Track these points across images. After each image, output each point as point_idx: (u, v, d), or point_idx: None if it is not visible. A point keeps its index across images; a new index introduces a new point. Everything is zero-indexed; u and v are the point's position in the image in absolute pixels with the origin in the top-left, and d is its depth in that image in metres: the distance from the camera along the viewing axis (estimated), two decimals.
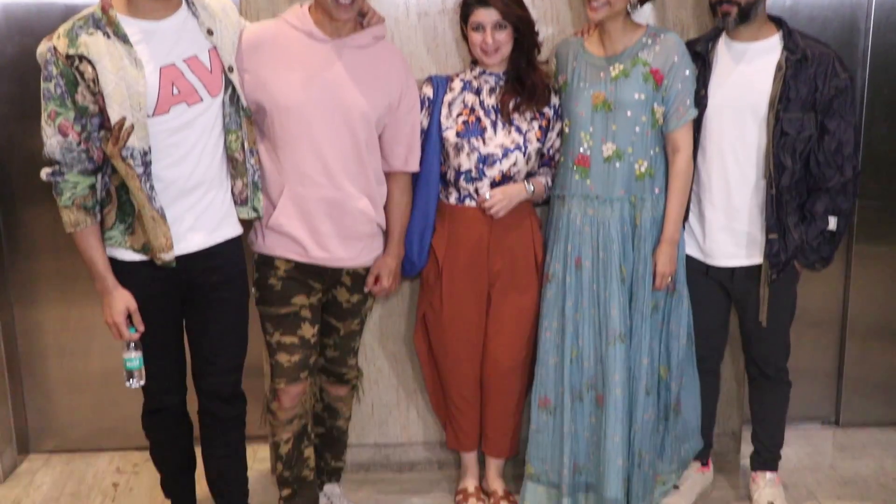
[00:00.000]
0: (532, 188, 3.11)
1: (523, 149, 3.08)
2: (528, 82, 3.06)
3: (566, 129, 3.14)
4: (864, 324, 3.97)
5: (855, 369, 4.01)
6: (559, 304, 3.18)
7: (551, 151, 3.19)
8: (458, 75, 3.17)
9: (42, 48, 2.59)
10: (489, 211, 3.07)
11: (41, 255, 3.74)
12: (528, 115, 3.10)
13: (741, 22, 2.98)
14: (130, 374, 2.73)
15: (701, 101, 3.07)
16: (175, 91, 2.61)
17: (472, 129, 3.07)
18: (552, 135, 3.16)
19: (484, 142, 3.07)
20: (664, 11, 3.34)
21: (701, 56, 3.09)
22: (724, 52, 3.09)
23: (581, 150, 3.09)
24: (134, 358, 2.72)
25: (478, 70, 3.12)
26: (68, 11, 2.68)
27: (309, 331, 2.96)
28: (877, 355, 4.01)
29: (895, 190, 3.82)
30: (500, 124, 3.08)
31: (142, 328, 2.72)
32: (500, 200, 3.06)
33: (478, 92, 3.11)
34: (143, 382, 2.75)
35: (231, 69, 2.73)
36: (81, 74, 2.53)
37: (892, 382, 4.04)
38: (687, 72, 3.03)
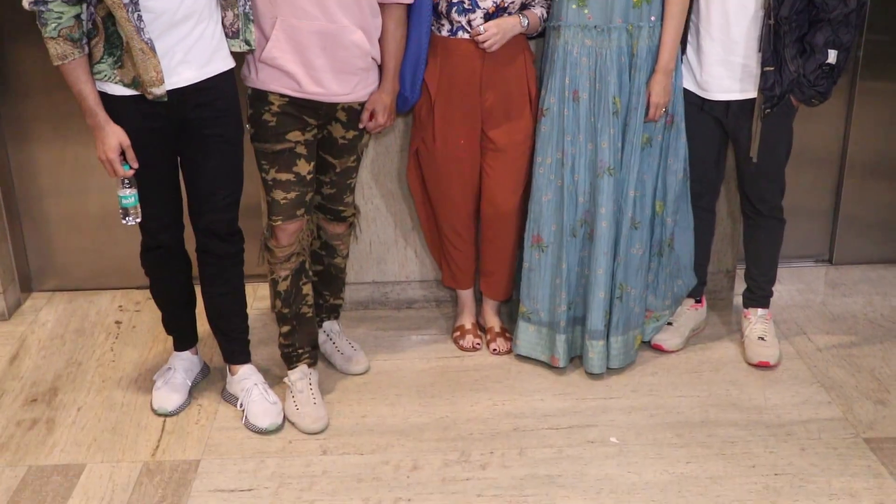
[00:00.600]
0: (527, 21, 3.03)
1: None
2: None
3: None
4: (863, 162, 3.94)
5: (851, 208, 4.00)
6: (554, 138, 3.13)
7: None
8: None
9: None
10: (483, 45, 2.98)
11: (33, 93, 3.66)
12: None
13: None
14: (126, 212, 2.71)
15: None
16: None
17: None
18: None
19: None
20: None
21: None
22: None
23: None
24: (129, 195, 2.69)
25: None
26: None
27: (305, 167, 2.92)
28: (873, 194, 3.99)
29: None
30: None
31: (135, 164, 2.68)
32: (494, 34, 2.97)
33: None
34: (139, 219, 2.73)
35: None
36: None
37: (886, 221, 4.04)
38: None
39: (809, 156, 3.85)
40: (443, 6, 3.01)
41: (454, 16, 3.01)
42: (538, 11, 3.08)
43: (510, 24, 3.01)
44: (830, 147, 3.93)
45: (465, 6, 2.98)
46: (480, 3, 2.97)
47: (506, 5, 2.99)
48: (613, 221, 3.13)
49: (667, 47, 3.02)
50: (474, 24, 3.00)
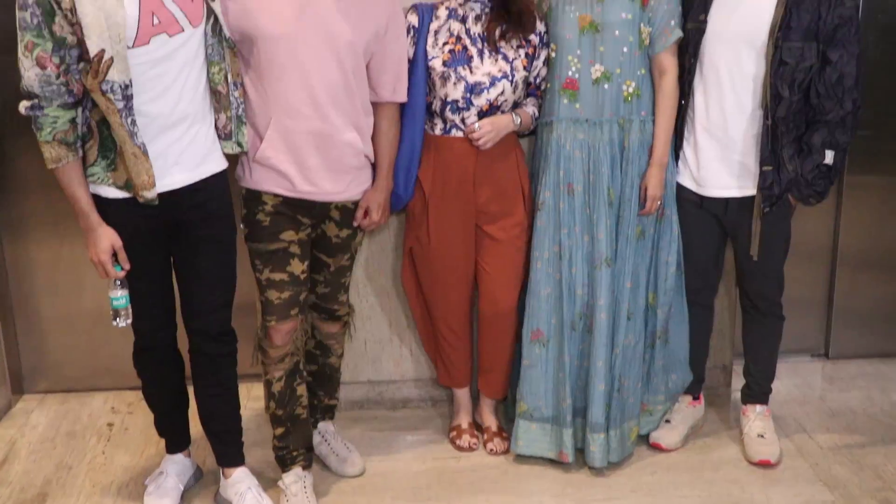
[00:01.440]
0: (519, 119, 3.04)
1: (510, 77, 2.99)
2: (514, 9, 2.97)
3: (552, 55, 3.06)
4: (855, 255, 3.91)
5: (845, 301, 3.95)
6: (551, 232, 3.12)
7: (538, 80, 3.10)
8: (443, 3, 3.06)
9: None
10: (477, 142, 2.97)
11: (31, 192, 3.63)
12: (515, 42, 3.01)
13: None
14: (117, 313, 2.66)
15: (701, 27, 2.98)
16: (155, 21, 2.49)
17: (459, 57, 2.98)
18: (538, 63, 3.08)
19: (471, 70, 2.97)
20: None
21: None
22: None
23: (569, 73, 3.02)
24: (120, 296, 2.65)
25: None
26: None
27: (299, 267, 2.88)
28: (866, 287, 3.95)
29: (886, 119, 3.72)
30: (486, 53, 2.99)
31: (127, 266, 2.64)
32: (488, 132, 2.97)
33: (464, 20, 3.01)
34: (129, 321, 2.69)
35: None
36: (58, 3, 2.40)
37: (880, 314, 3.99)
38: None
39: (802, 249, 3.81)
40: (436, 105, 3.01)
41: (448, 114, 3.00)
42: (530, 110, 3.09)
43: (504, 123, 3.00)
44: (822, 240, 3.90)
45: (459, 104, 2.98)
46: (474, 101, 2.97)
47: (499, 104, 3.00)
48: (611, 313, 3.10)
49: (660, 141, 3.03)
50: (468, 121, 2.99)
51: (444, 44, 2.99)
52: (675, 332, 3.28)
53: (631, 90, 3.01)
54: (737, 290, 3.37)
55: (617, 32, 2.96)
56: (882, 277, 3.95)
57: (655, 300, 3.19)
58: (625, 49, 2.98)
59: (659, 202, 3.07)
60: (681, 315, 3.27)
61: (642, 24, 2.97)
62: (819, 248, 3.91)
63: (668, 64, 3.00)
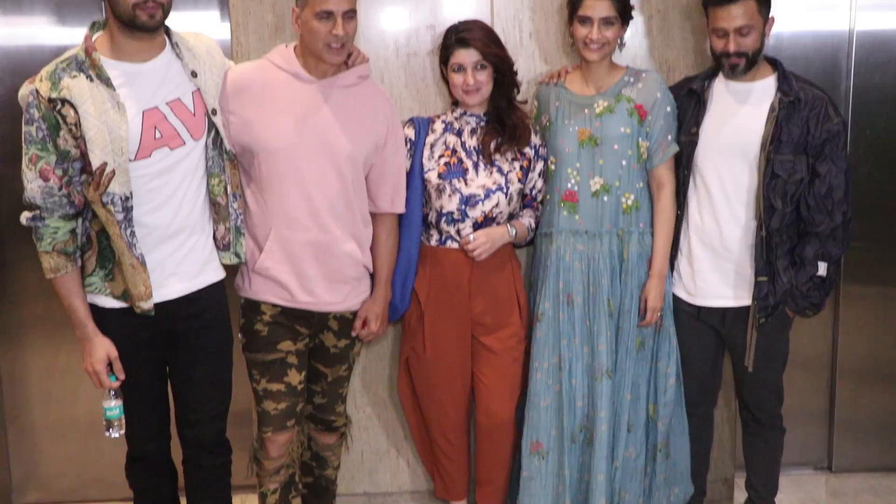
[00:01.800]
0: (514, 231, 3.05)
1: (505, 189, 3.02)
2: (508, 122, 3.02)
3: (551, 167, 3.10)
4: (854, 366, 3.85)
5: (846, 412, 3.89)
6: (550, 342, 3.10)
7: (534, 192, 3.13)
8: (439, 116, 3.12)
9: (24, 91, 2.52)
10: (472, 253, 2.98)
11: (30, 299, 3.61)
12: (510, 155, 3.05)
13: (749, 69, 2.94)
14: (110, 424, 2.64)
15: (693, 140, 3.02)
16: (157, 135, 2.53)
17: (454, 170, 3.01)
18: (534, 175, 3.11)
19: (466, 183, 3.00)
20: (652, 51, 3.34)
21: (696, 94, 3.06)
22: (720, 91, 3.04)
23: (568, 185, 3.06)
24: (114, 406, 2.63)
25: (459, 111, 3.07)
26: (58, 53, 2.60)
27: (296, 377, 2.86)
28: (868, 398, 3.89)
29: (880, 230, 3.73)
30: (481, 165, 3.03)
31: (122, 376, 2.62)
32: (483, 243, 2.98)
33: (459, 133, 3.05)
34: (122, 432, 2.66)
35: (214, 112, 2.66)
36: (63, 118, 2.45)
37: (883, 425, 3.92)
38: (668, 108, 3.04)
39: (800, 359, 3.77)
40: (432, 216, 3.03)
41: (443, 226, 3.02)
42: (526, 221, 3.10)
43: (499, 234, 3.01)
44: (820, 351, 3.86)
45: (455, 216, 3.00)
46: (469, 213, 2.99)
47: (494, 215, 3.01)
48: (611, 424, 3.07)
49: (659, 253, 3.05)
50: (463, 233, 3.00)
51: (440, 156, 3.02)
52: (676, 445, 3.22)
53: (630, 202, 3.04)
54: (736, 401, 3.32)
55: (616, 146, 3.01)
56: (883, 389, 3.89)
57: (656, 412, 3.15)
58: (623, 162, 3.02)
59: (659, 313, 3.07)
60: (681, 427, 3.22)
61: (640, 139, 3.02)
62: (818, 358, 3.86)
63: (666, 178, 3.04)
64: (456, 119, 3.06)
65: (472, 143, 3.04)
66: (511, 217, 3.09)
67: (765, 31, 2.91)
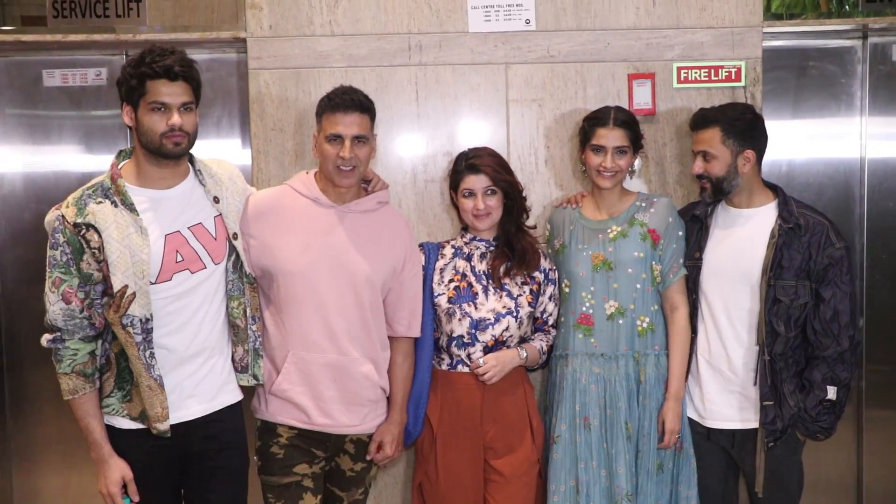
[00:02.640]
0: (525, 354, 3.04)
1: (515, 313, 3.02)
2: (518, 247, 3.04)
3: (566, 290, 3.12)
4: (883, 492, 3.76)
5: None
6: (567, 465, 3.07)
7: (545, 316, 3.12)
8: (448, 242, 3.15)
9: (50, 216, 2.57)
10: (483, 377, 2.97)
11: (45, 419, 3.63)
12: (519, 279, 3.05)
13: (716, 195, 3.02)
14: None
15: (697, 264, 3.07)
16: (179, 258, 2.57)
17: (464, 294, 3.02)
18: (544, 298, 3.11)
19: (475, 307, 3.01)
20: (664, 176, 3.40)
21: (699, 219, 3.11)
22: (722, 216, 3.10)
23: (583, 309, 3.07)
24: None
25: (468, 236, 3.10)
26: (84, 179, 2.70)
27: (311, 501, 2.82)
28: None
29: None
30: (491, 290, 3.03)
31: (136, 499, 2.60)
32: (493, 366, 2.97)
33: (469, 258, 3.07)
34: None
35: (235, 236, 2.70)
36: (87, 242, 2.49)
37: None
38: (680, 232, 3.09)
39: (824, 485, 3.70)
40: (443, 340, 3.03)
41: (454, 349, 3.02)
42: (537, 345, 3.09)
43: (509, 357, 3.01)
44: (844, 477, 3.78)
45: (465, 340, 3.00)
46: (479, 337, 2.99)
47: (504, 339, 3.01)
48: None
49: (675, 375, 3.04)
50: (473, 356, 3.00)
51: (450, 281, 3.04)
52: None
53: (645, 325, 3.05)
54: None
55: (630, 270, 3.03)
56: None
57: None
58: (638, 286, 3.04)
59: (677, 436, 3.04)
60: None
61: (654, 262, 3.05)
62: (843, 485, 3.78)
63: (679, 300, 3.06)
64: (465, 244, 3.09)
65: (481, 267, 3.05)
66: (522, 340, 3.08)
67: (736, 163, 2.98)
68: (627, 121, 3.06)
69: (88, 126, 3.51)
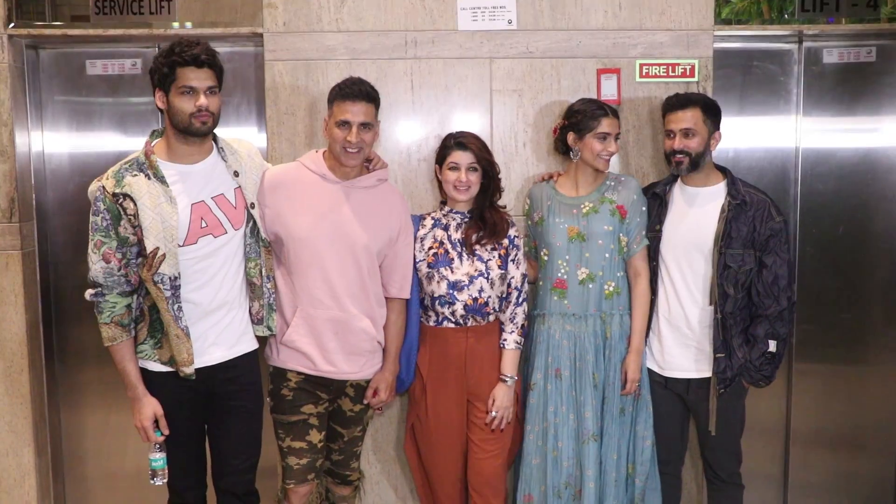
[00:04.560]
0: (511, 378, 3.03)
1: (486, 275, 3.02)
2: (489, 220, 3.03)
3: (545, 258, 3.13)
4: (805, 433, 3.81)
5: (799, 474, 3.83)
6: (541, 409, 3.10)
7: (513, 283, 3.08)
8: (429, 214, 3.15)
9: (93, 187, 2.58)
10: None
11: (87, 366, 3.62)
12: (489, 246, 3.04)
13: (692, 169, 3.01)
14: (154, 473, 2.64)
15: (657, 235, 3.08)
16: (203, 224, 2.58)
17: (441, 259, 3.02)
18: (511, 264, 3.07)
19: (451, 271, 3.01)
20: (627, 159, 3.40)
21: (659, 197, 3.12)
22: (679, 194, 3.11)
23: (559, 274, 3.09)
24: (158, 458, 2.64)
25: (446, 209, 3.10)
26: (121, 156, 2.70)
27: (316, 436, 2.86)
28: (818, 462, 3.83)
29: (825, 315, 3.73)
30: (465, 256, 3.03)
31: (166, 432, 2.64)
32: (499, 409, 3.01)
33: (446, 228, 3.07)
34: (165, 480, 2.66)
35: (253, 206, 2.71)
36: (124, 210, 2.50)
37: (833, 485, 3.85)
38: (643, 208, 3.11)
39: (758, 427, 3.74)
40: (427, 300, 3.04)
41: (438, 307, 3.02)
42: (512, 346, 3.05)
43: (502, 392, 3.02)
44: (776, 420, 3.83)
45: (446, 299, 3.00)
46: (458, 297, 2.99)
47: (484, 299, 3.01)
48: (598, 482, 3.06)
49: (636, 332, 3.08)
50: (457, 314, 2.99)
51: (430, 248, 3.04)
52: (650, 499, 3.18)
53: (611, 289, 3.07)
54: (701, 461, 3.28)
55: (601, 242, 3.05)
56: (831, 454, 3.84)
57: (634, 470, 3.14)
58: (607, 255, 3.06)
59: (637, 384, 3.08)
60: (654, 483, 3.19)
61: (621, 234, 3.07)
62: (774, 426, 3.82)
63: (641, 267, 3.08)
64: (443, 216, 3.09)
65: (456, 236, 3.05)
66: (500, 301, 3.05)
67: (709, 141, 3.00)
68: (616, 112, 3.08)
69: (124, 110, 3.49)
